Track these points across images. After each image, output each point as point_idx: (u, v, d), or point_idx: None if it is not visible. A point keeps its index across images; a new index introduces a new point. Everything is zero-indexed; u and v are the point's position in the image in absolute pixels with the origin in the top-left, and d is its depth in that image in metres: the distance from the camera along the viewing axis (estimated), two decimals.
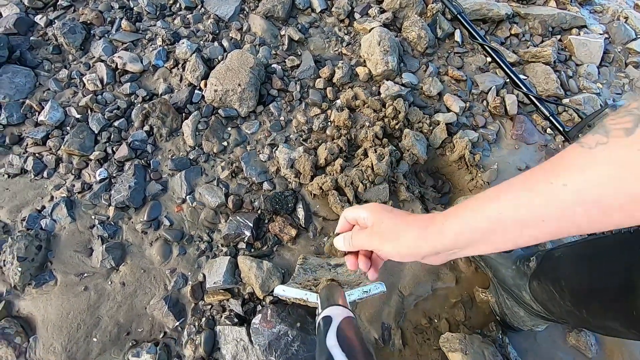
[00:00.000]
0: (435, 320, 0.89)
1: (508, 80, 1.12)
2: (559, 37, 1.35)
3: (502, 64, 1.09)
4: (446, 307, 0.90)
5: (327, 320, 0.56)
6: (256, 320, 0.78)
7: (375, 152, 0.96)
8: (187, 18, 1.17)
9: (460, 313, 0.89)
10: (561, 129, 0.98)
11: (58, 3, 1.15)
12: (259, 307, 0.82)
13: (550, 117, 1.01)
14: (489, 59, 1.24)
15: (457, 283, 0.93)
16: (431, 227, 0.46)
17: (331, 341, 0.52)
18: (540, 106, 1.03)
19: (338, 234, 0.60)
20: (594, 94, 1.23)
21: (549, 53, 1.23)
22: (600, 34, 1.39)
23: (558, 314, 0.75)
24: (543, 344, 0.88)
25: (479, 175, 1.05)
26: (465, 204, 0.44)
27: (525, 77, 1.23)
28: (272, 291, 0.83)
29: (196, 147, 0.98)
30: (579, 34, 1.37)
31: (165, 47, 1.10)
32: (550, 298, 0.73)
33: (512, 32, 1.33)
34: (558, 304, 0.71)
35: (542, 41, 1.33)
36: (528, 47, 1.30)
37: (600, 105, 1.20)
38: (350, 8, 1.26)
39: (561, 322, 0.80)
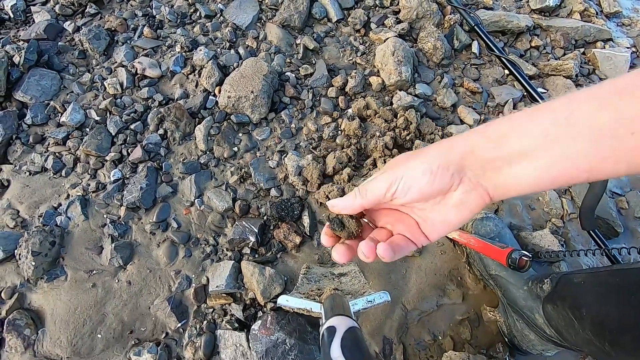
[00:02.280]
0: (440, 337, 0.86)
1: (526, 93, 1.10)
2: (582, 50, 1.31)
3: (519, 77, 1.07)
4: (451, 324, 0.88)
5: (331, 330, 0.55)
6: (255, 326, 0.78)
7: (384, 162, 0.95)
8: (206, 26, 1.20)
9: (466, 331, 0.87)
10: None
11: (86, 11, 1.20)
12: (259, 313, 0.82)
13: None
14: (506, 71, 1.21)
15: (464, 300, 0.90)
16: (457, 141, 0.37)
17: (335, 352, 0.51)
18: None
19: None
20: None
21: (570, 66, 1.19)
22: (627, 48, 1.34)
23: (573, 342, 0.71)
24: None
25: None
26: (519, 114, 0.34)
27: (545, 91, 1.19)
28: (273, 298, 0.83)
29: (207, 152, 1.00)
30: (604, 47, 1.32)
31: (184, 53, 1.13)
32: (566, 324, 0.69)
33: (533, 44, 1.30)
34: (575, 331, 0.67)
35: (564, 54, 1.29)
36: (549, 60, 1.27)
37: None
38: (366, 18, 1.27)
39: (575, 349, 0.76)
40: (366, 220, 0.46)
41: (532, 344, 0.81)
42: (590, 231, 0.90)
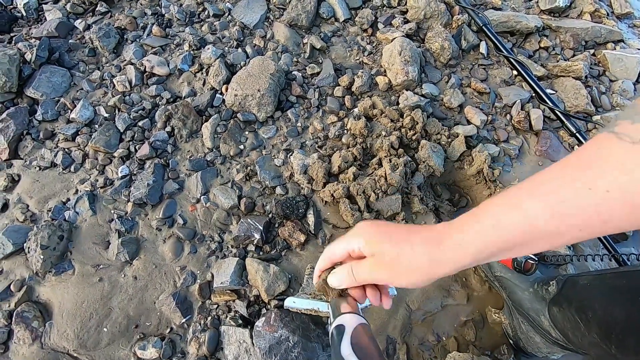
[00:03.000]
0: (444, 338, 0.86)
1: (534, 94, 1.09)
2: (592, 51, 1.30)
3: (527, 77, 1.06)
4: (456, 325, 0.87)
5: (340, 329, 0.55)
6: (259, 323, 0.78)
7: (390, 162, 0.95)
8: (214, 25, 1.21)
9: (471, 332, 0.86)
10: None
11: (97, 9, 1.22)
12: (263, 310, 0.83)
13: (577, 134, 0.97)
14: (514, 72, 1.20)
15: (469, 301, 0.90)
16: (444, 245, 0.41)
17: (346, 350, 0.51)
18: (566, 122, 0.99)
19: (326, 270, 0.55)
20: None
21: (580, 67, 1.18)
22: (639, 49, 1.32)
23: (579, 344, 0.70)
24: None
25: (498, 190, 1.01)
26: (480, 210, 0.39)
27: (554, 92, 1.18)
28: (277, 295, 0.83)
29: (214, 149, 1.00)
30: (615, 49, 1.30)
31: (192, 52, 1.14)
32: (573, 327, 0.69)
33: (542, 45, 1.29)
34: (582, 334, 0.67)
35: (574, 55, 1.28)
36: (558, 61, 1.25)
37: None
38: (374, 18, 1.27)
39: (581, 352, 0.75)
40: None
41: (537, 347, 0.80)
42: None
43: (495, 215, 0.37)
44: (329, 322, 0.61)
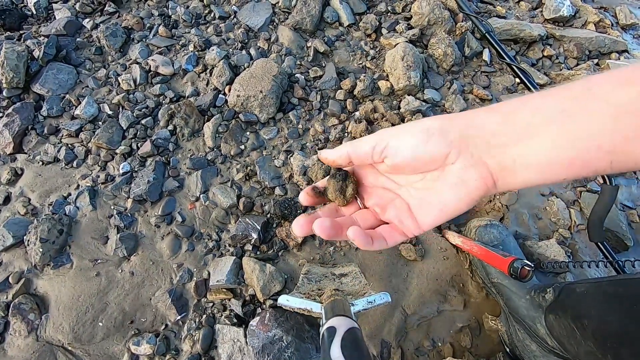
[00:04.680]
0: (439, 344, 0.85)
1: None
2: (596, 61, 1.29)
3: (530, 85, 1.06)
4: (452, 331, 0.87)
5: (332, 331, 0.55)
6: (254, 322, 0.78)
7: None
8: (220, 27, 1.23)
9: (467, 339, 0.85)
10: None
11: (105, 9, 1.24)
12: (258, 310, 0.83)
13: None
14: (517, 80, 1.20)
15: (465, 307, 0.89)
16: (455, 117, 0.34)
17: (335, 353, 0.51)
18: None
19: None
20: None
21: (583, 77, 1.18)
22: None
23: (575, 353, 0.69)
24: None
25: (498, 197, 1.01)
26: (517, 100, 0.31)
27: None
28: (273, 295, 0.83)
29: (215, 149, 1.01)
30: (619, 59, 1.30)
31: (197, 52, 1.16)
32: (569, 335, 0.68)
33: (545, 53, 1.29)
34: (577, 342, 0.66)
35: (577, 64, 1.28)
36: (561, 70, 1.25)
37: None
38: (378, 23, 1.28)
39: None
40: (356, 197, 0.42)
41: (533, 355, 0.79)
42: (599, 243, 0.88)
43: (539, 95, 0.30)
44: (320, 324, 0.61)
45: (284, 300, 0.70)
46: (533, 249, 0.92)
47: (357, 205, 0.42)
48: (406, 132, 0.34)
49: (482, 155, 0.32)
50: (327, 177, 0.42)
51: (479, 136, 0.32)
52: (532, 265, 0.78)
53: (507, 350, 0.84)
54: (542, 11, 1.40)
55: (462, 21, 1.28)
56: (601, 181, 0.93)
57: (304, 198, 0.42)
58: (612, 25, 1.40)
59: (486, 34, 1.16)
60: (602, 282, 0.66)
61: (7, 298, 0.81)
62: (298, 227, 0.37)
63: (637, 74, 0.26)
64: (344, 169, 0.41)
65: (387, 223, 0.40)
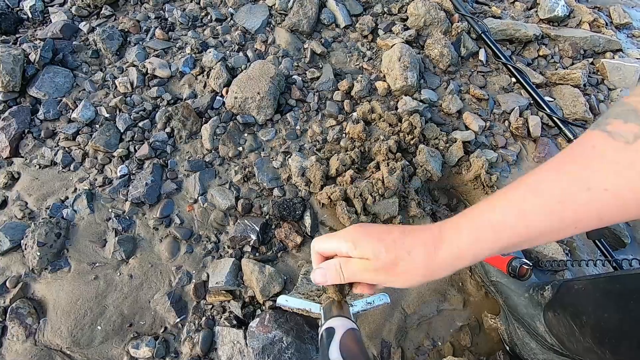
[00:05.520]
0: (439, 343, 0.85)
1: (532, 101, 1.09)
2: (591, 60, 1.31)
3: (525, 84, 1.07)
4: (452, 330, 0.87)
5: (330, 332, 0.55)
6: (253, 324, 0.78)
7: (388, 165, 0.96)
8: (217, 29, 1.23)
9: (466, 338, 0.85)
10: None
11: (101, 12, 1.24)
12: (258, 311, 0.82)
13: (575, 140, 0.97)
14: (513, 79, 1.21)
15: (465, 306, 0.89)
16: (441, 248, 0.40)
17: (334, 354, 0.51)
18: (564, 128, 0.99)
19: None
20: None
21: (578, 76, 1.19)
22: (637, 59, 1.33)
23: (574, 350, 0.70)
24: None
25: None
26: (476, 211, 0.39)
27: (552, 100, 1.19)
28: (272, 296, 0.83)
29: (213, 151, 1.01)
30: (614, 58, 1.31)
31: (193, 55, 1.16)
32: (567, 332, 0.68)
33: (541, 53, 1.30)
34: (576, 339, 0.66)
35: (572, 64, 1.29)
36: (556, 69, 1.26)
37: None
38: (374, 25, 1.28)
39: (576, 358, 0.75)
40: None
41: (533, 353, 0.79)
42: (596, 241, 0.89)
43: (492, 217, 0.37)
44: (319, 324, 0.61)
45: (283, 300, 0.70)
46: (531, 248, 0.93)
47: None
48: (405, 283, 0.45)
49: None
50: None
51: (461, 267, 0.43)
52: (531, 264, 0.79)
53: (507, 348, 0.85)
54: (537, 11, 1.41)
55: (458, 22, 1.28)
56: None
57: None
58: (606, 24, 1.41)
59: (482, 34, 1.16)
60: (599, 279, 0.66)
61: (4, 303, 0.80)
62: None
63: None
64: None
65: None
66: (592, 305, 0.62)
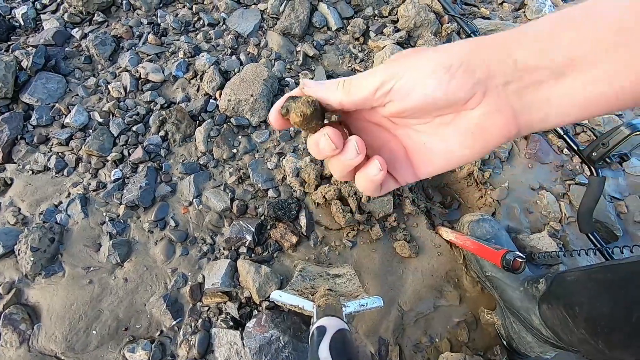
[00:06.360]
0: (437, 339, 0.85)
1: None
2: None
3: None
4: (448, 326, 0.87)
5: (321, 330, 0.55)
6: (250, 324, 0.78)
7: None
8: (209, 34, 1.24)
9: (463, 334, 0.86)
10: (575, 147, 0.95)
11: (94, 19, 1.24)
12: (255, 312, 0.82)
13: (564, 136, 0.98)
14: None
15: (461, 302, 0.90)
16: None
17: (324, 352, 0.51)
18: None
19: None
20: (616, 116, 1.19)
21: None
22: None
23: (569, 342, 0.70)
24: None
25: (489, 192, 1.02)
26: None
27: None
28: (269, 296, 0.83)
29: (207, 153, 1.01)
30: None
31: (186, 59, 1.16)
32: (561, 324, 0.69)
33: None
34: (570, 331, 0.66)
35: None
36: None
37: None
38: (365, 27, 1.30)
39: (572, 350, 0.75)
40: (346, 132, 0.34)
41: (529, 346, 0.79)
42: (589, 234, 0.90)
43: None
44: (311, 322, 0.61)
45: (276, 295, 0.70)
46: (525, 241, 0.94)
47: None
48: (421, 69, 0.27)
49: (511, 97, 0.26)
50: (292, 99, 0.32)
51: (510, 73, 0.26)
52: (524, 257, 0.79)
53: (504, 343, 0.85)
54: (524, 12, 1.44)
55: (448, 23, 1.30)
56: (588, 173, 0.95)
57: (274, 117, 0.33)
58: None
59: (471, 35, 1.18)
60: (591, 269, 0.67)
61: None
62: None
63: None
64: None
65: None
66: (585, 296, 0.63)
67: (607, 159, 0.85)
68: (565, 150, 1.13)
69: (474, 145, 0.29)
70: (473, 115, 0.27)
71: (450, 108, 0.28)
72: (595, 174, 0.88)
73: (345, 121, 0.34)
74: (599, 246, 0.84)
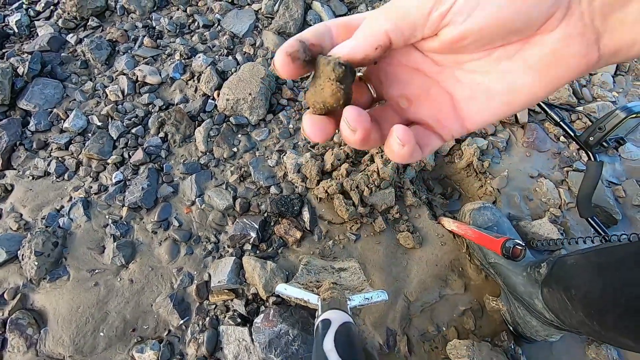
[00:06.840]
0: (444, 328, 0.86)
1: None
2: None
3: None
4: (455, 315, 0.87)
5: (326, 323, 0.56)
6: (258, 320, 0.78)
7: (382, 157, 0.97)
8: (204, 35, 1.24)
9: (470, 321, 0.86)
10: (572, 134, 0.96)
11: (88, 24, 1.24)
12: (262, 308, 0.82)
13: (561, 122, 0.99)
14: None
15: (466, 290, 0.90)
16: None
17: (328, 345, 0.51)
18: (550, 112, 1.02)
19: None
20: (610, 102, 1.20)
21: None
22: None
23: (569, 324, 0.71)
24: (559, 356, 0.83)
25: (488, 182, 1.03)
26: None
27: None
28: (275, 290, 0.83)
29: (207, 153, 1.02)
30: None
31: (183, 61, 1.17)
32: (561, 307, 0.69)
33: None
34: (570, 313, 0.67)
35: None
36: None
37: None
38: None
39: (575, 332, 0.76)
40: (370, 88, 0.28)
41: (535, 330, 0.80)
42: (589, 219, 0.91)
43: None
44: (316, 315, 0.61)
45: (282, 288, 0.70)
46: (527, 228, 0.95)
47: (369, 96, 0.27)
48: None
49: (596, 17, 0.21)
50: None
51: None
52: (524, 244, 0.80)
53: (510, 328, 0.86)
54: None
55: None
56: (586, 159, 0.96)
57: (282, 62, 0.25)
58: None
59: None
60: (589, 252, 0.68)
61: (3, 315, 0.79)
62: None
63: None
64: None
65: (415, 123, 0.28)
66: (581, 279, 0.64)
67: (604, 144, 0.86)
68: (562, 138, 1.14)
69: (545, 80, 0.23)
70: (548, 40, 0.22)
71: (520, 33, 0.22)
72: (592, 159, 0.89)
73: (368, 74, 0.27)
74: (601, 233, 0.84)
